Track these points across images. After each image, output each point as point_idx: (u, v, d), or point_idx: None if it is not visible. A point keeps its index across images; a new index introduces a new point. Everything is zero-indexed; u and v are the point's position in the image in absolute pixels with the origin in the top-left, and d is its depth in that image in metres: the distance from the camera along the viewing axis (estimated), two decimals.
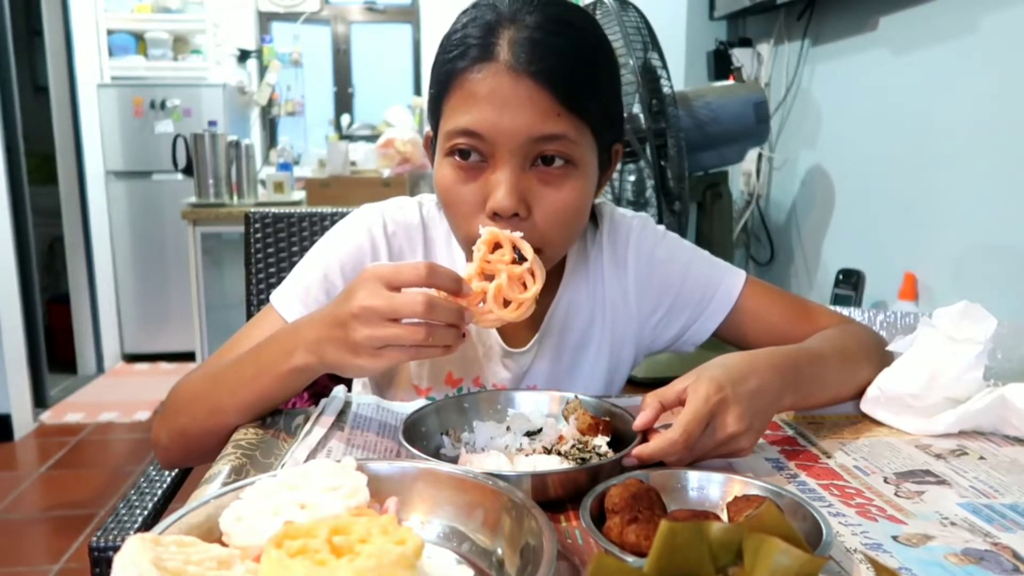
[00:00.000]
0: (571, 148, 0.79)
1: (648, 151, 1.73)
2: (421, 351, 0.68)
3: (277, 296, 0.90)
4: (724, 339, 0.96)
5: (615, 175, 1.78)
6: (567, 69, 0.77)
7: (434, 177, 0.85)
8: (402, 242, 0.93)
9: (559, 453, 0.67)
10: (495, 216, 0.79)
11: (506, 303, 0.73)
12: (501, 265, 0.73)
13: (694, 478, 0.61)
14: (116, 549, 0.53)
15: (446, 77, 0.80)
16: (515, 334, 0.93)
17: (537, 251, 0.78)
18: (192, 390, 0.83)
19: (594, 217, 0.98)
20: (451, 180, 0.81)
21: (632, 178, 1.86)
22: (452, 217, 0.84)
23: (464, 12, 0.82)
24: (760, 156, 2.51)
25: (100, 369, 4.14)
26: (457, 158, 0.80)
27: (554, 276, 0.94)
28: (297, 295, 0.88)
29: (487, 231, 0.75)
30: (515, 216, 0.78)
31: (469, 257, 0.78)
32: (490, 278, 0.73)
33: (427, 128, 0.90)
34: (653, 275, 0.96)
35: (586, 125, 0.80)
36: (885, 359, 0.86)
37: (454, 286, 0.69)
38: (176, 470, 1.07)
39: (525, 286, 0.74)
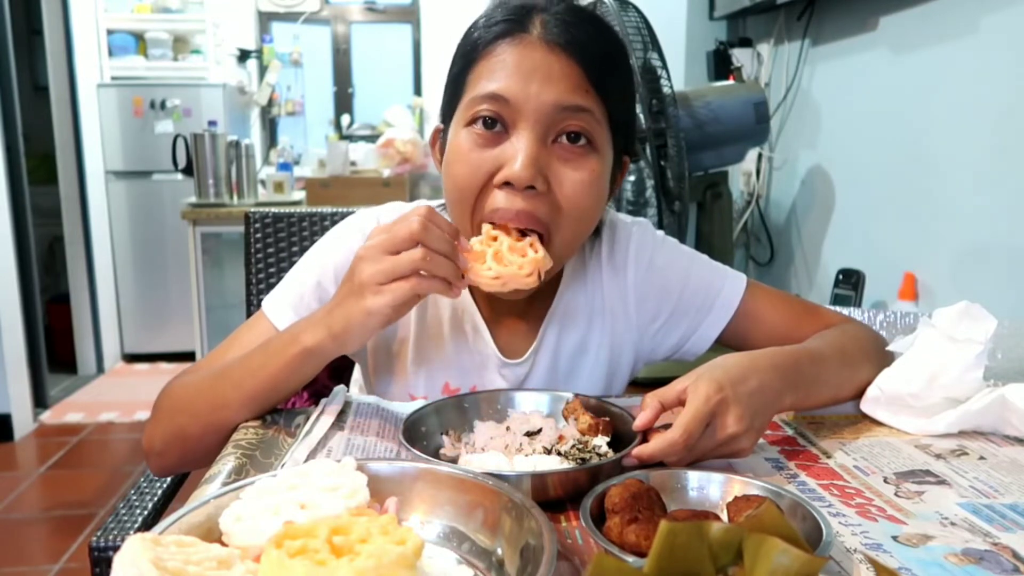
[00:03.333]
0: (594, 127, 0.79)
1: (648, 151, 1.73)
2: (421, 282, 0.70)
3: (269, 302, 0.88)
4: (725, 344, 0.96)
5: None
6: (598, 50, 0.79)
7: (447, 150, 0.83)
8: None
9: (559, 453, 0.67)
10: (505, 186, 0.77)
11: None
12: (505, 238, 0.75)
13: (694, 478, 0.61)
14: (116, 549, 0.53)
15: (473, 48, 0.81)
16: (512, 344, 0.92)
17: (543, 238, 0.79)
18: (190, 389, 0.82)
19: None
20: (468, 146, 0.79)
21: (632, 178, 1.86)
22: (457, 188, 0.80)
23: (493, 5, 0.83)
24: (760, 156, 2.51)
25: (100, 369, 4.14)
26: (478, 127, 0.78)
27: (552, 284, 0.93)
28: (289, 302, 0.87)
29: (488, 226, 0.77)
30: (529, 189, 0.77)
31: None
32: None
33: (436, 124, 0.88)
34: (653, 282, 0.95)
35: (607, 112, 0.80)
36: (885, 359, 0.85)
37: (450, 230, 0.72)
38: None
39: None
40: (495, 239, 0.75)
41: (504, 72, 0.77)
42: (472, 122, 0.79)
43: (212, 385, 0.80)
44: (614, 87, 0.80)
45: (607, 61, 0.80)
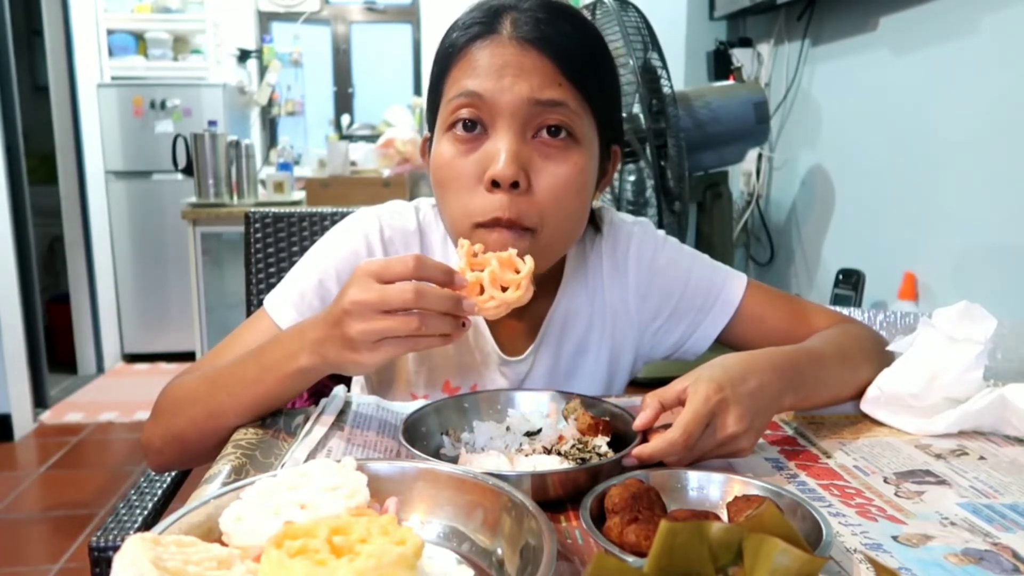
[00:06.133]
0: (573, 120, 0.79)
1: (648, 151, 1.73)
2: (418, 342, 0.68)
3: (271, 301, 0.88)
4: (726, 343, 0.96)
5: (615, 176, 1.78)
6: (569, 44, 0.79)
7: (432, 159, 0.84)
8: (399, 248, 0.92)
9: (559, 453, 0.67)
10: (493, 186, 0.77)
11: (504, 291, 0.73)
12: (489, 254, 0.73)
13: (694, 478, 0.61)
14: (116, 549, 0.53)
15: (448, 53, 0.82)
16: (513, 342, 0.92)
17: (531, 231, 0.78)
18: (187, 393, 0.82)
19: (595, 223, 0.97)
20: (450, 154, 0.80)
21: (632, 178, 1.86)
22: (447, 196, 0.82)
23: (467, 9, 0.84)
24: (760, 156, 2.51)
25: (100, 369, 4.14)
26: (458, 130, 0.80)
27: (552, 282, 0.93)
28: (291, 301, 0.87)
29: (466, 242, 0.74)
30: (514, 187, 0.77)
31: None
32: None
33: (425, 132, 0.89)
34: (654, 282, 0.95)
35: (587, 103, 0.80)
36: (885, 359, 0.85)
37: (444, 277, 0.68)
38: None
39: (517, 272, 0.74)
40: (475, 255, 0.74)
41: (479, 72, 0.78)
42: (452, 126, 0.80)
43: (209, 392, 0.80)
44: (592, 79, 0.81)
45: (582, 54, 0.80)
